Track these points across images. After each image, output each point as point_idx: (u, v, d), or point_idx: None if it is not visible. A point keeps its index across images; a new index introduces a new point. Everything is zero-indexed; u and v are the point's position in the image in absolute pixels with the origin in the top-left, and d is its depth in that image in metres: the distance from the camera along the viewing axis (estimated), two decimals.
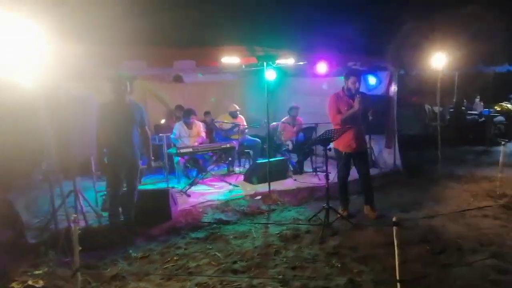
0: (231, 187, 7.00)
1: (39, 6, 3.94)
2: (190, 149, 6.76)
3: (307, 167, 8.05)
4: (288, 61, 6.30)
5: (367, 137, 7.85)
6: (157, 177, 7.43)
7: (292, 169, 7.84)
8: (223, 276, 3.73)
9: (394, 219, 2.95)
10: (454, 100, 11.67)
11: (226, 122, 8.16)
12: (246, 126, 8.35)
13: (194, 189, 6.88)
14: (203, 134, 7.55)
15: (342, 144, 5.26)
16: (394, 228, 2.93)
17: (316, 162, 8.04)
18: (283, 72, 9.45)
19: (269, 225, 5.02)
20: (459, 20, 8.54)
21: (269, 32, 5.94)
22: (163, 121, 8.64)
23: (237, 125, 8.12)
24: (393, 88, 7.75)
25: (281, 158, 7.76)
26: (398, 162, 7.86)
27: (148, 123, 5.48)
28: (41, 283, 3.54)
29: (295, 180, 7.33)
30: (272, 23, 6.13)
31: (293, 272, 3.80)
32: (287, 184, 7.06)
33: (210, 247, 4.43)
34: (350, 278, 3.59)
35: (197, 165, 7.24)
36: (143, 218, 5.24)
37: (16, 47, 3.87)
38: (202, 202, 6.15)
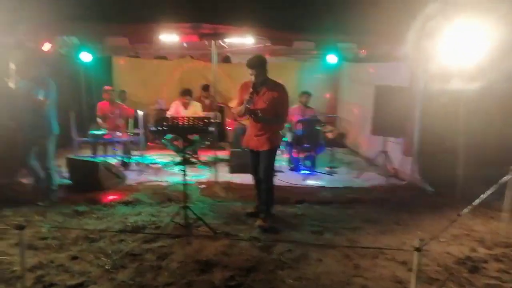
0: (204, 171, 6.78)
1: None
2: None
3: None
4: (245, 40, 5.59)
5: (380, 138, 6.41)
6: None
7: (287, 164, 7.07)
8: (15, 247, 3.72)
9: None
10: None
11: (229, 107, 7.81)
12: None
13: (175, 168, 6.88)
14: (201, 115, 7.39)
15: (244, 139, 4.78)
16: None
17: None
18: (341, 56, 8.30)
19: (141, 213, 4.72)
20: None
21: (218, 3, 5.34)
22: None
23: None
24: (419, 81, 6.03)
25: None
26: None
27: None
28: None
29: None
30: None
31: (71, 262, 3.54)
32: None
33: (61, 221, 4.48)
34: (84, 280, 3.21)
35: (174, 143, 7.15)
36: (75, 185, 5.71)
37: None
38: (150, 181, 6.16)
